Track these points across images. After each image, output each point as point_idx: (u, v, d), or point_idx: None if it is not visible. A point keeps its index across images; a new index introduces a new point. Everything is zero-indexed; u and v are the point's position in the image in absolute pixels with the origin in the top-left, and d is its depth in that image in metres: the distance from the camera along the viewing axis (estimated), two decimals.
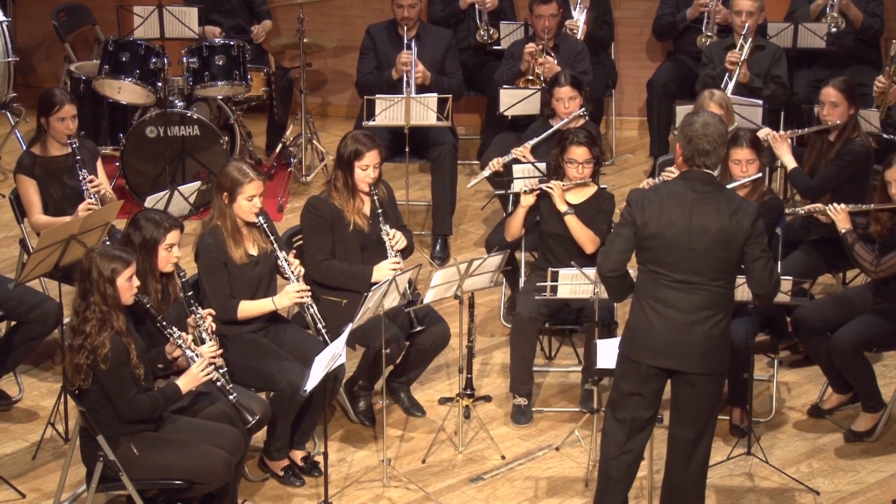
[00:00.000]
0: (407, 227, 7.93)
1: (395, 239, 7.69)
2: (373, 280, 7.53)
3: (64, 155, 8.30)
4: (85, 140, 8.52)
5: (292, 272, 7.35)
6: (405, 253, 7.78)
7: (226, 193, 7.29)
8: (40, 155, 8.28)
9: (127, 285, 6.60)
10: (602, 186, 8.18)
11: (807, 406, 7.96)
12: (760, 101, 9.33)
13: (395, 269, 7.56)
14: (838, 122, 8.28)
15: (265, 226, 7.33)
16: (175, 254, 6.97)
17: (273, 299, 7.31)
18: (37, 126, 8.37)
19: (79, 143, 8.34)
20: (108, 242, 7.94)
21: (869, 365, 7.62)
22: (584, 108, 8.78)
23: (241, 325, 7.32)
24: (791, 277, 7.43)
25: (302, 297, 7.32)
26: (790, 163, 8.39)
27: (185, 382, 6.73)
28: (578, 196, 7.95)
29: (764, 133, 8.44)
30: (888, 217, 7.53)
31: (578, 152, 7.85)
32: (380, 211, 7.69)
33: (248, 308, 7.28)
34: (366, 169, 7.64)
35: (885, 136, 9.29)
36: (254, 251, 7.37)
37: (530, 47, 9.78)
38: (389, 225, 7.71)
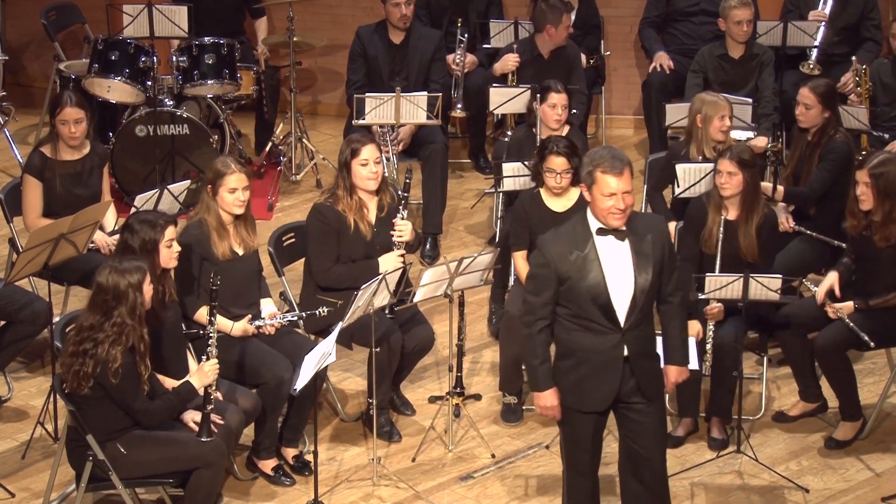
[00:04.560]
0: (416, 229, 7.91)
1: (402, 230, 7.68)
2: (381, 271, 7.52)
3: (73, 160, 8.27)
4: (97, 143, 8.50)
5: (269, 321, 7.38)
6: (411, 247, 7.79)
7: (209, 186, 7.30)
8: (50, 157, 8.24)
9: (148, 289, 6.64)
10: None
11: (796, 404, 7.97)
12: (749, 99, 9.37)
13: (401, 259, 7.57)
14: (810, 125, 8.35)
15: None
16: (176, 248, 6.98)
17: (234, 323, 7.30)
18: (50, 127, 8.34)
19: (91, 147, 8.33)
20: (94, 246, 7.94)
21: (851, 370, 7.62)
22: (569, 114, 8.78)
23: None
24: (780, 276, 7.44)
25: (255, 331, 7.34)
26: (779, 190, 8.37)
27: (198, 380, 6.75)
28: (562, 203, 7.93)
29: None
30: (863, 214, 7.55)
31: (557, 162, 7.84)
32: (405, 194, 7.68)
33: (207, 316, 7.26)
34: (366, 164, 7.62)
35: (875, 133, 9.32)
36: (239, 249, 7.37)
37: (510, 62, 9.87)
38: (406, 213, 7.69)
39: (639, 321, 6.23)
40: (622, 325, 6.20)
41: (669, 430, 7.60)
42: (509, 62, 9.92)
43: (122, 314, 6.49)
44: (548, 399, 6.35)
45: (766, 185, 8.29)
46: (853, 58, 9.75)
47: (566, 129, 8.70)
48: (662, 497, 6.50)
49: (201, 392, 6.74)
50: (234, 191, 7.29)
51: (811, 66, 10.00)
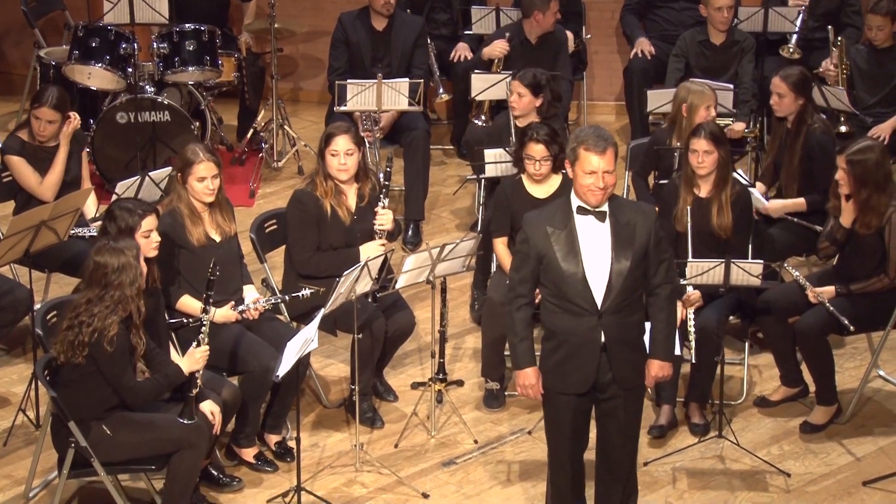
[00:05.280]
0: (397, 218, 7.90)
1: (383, 218, 7.67)
2: (362, 259, 7.51)
3: (51, 146, 8.27)
4: (77, 131, 8.49)
5: (252, 305, 7.35)
6: (392, 236, 7.78)
7: (179, 174, 7.30)
8: (28, 141, 8.26)
9: (143, 265, 6.67)
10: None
11: (778, 389, 7.99)
12: (731, 86, 9.38)
13: (382, 248, 7.56)
14: (786, 114, 8.38)
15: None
16: (155, 239, 6.96)
17: (216, 310, 7.23)
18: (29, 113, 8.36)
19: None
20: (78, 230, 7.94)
21: (831, 355, 7.64)
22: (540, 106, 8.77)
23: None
24: (761, 261, 7.45)
25: (238, 317, 7.31)
26: (800, 203, 8.37)
27: (187, 364, 6.76)
28: (544, 189, 7.93)
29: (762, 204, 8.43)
30: (845, 197, 7.57)
31: (536, 149, 7.83)
32: (386, 183, 7.67)
33: (189, 305, 7.23)
34: (335, 155, 7.61)
35: (859, 114, 9.33)
36: (216, 235, 7.36)
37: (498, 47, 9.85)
38: (388, 202, 7.68)
39: (619, 307, 6.19)
40: (599, 307, 6.18)
41: (651, 422, 7.62)
42: (496, 49, 9.91)
43: (122, 285, 6.51)
44: (527, 377, 6.35)
45: (799, 202, 8.31)
46: (833, 33, 9.71)
47: (537, 118, 8.68)
48: (628, 483, 6.51)
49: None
50: (202, 179, 7.27)
51: (791, 50, 10.02)
